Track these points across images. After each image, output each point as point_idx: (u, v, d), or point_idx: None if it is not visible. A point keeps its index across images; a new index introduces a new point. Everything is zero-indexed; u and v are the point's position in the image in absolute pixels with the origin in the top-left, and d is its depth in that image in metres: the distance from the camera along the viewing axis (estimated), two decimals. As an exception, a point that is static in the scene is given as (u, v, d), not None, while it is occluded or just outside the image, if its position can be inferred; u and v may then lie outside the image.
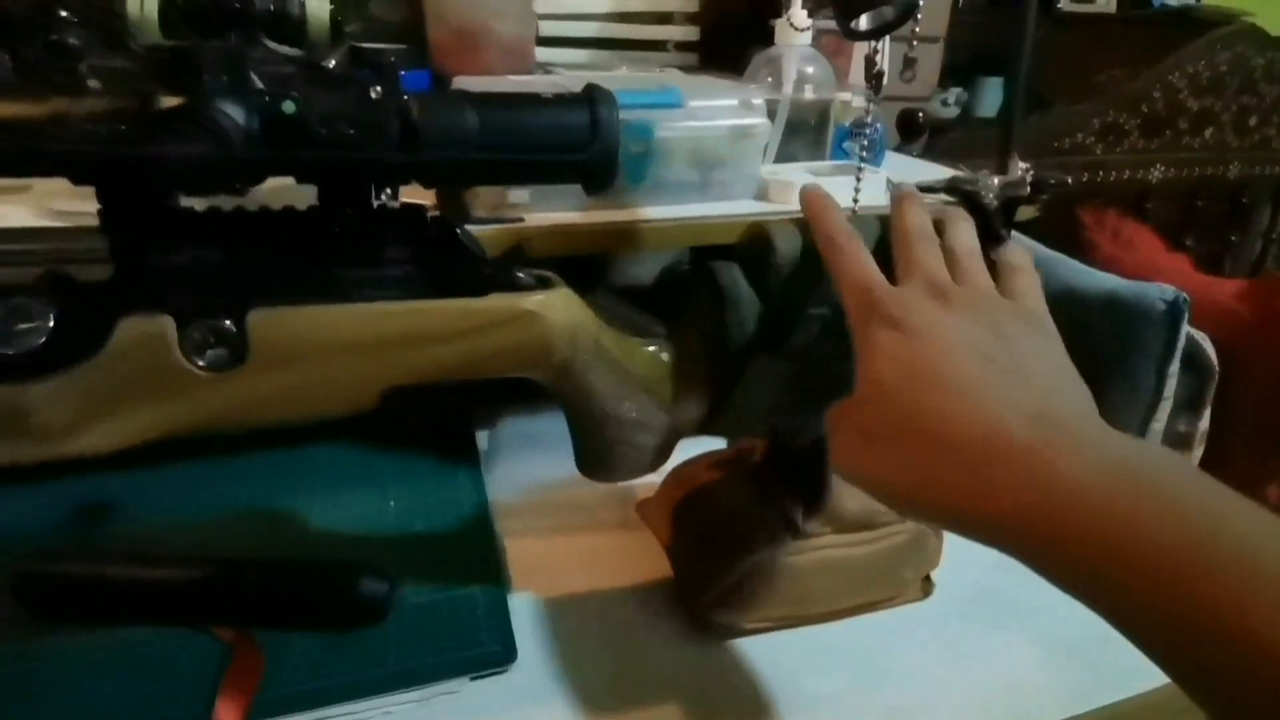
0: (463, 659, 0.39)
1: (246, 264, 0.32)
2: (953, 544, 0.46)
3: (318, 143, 0.29)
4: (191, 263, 0.31)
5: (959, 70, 1.34)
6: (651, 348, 0.39)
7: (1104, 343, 0.72)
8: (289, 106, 0.28)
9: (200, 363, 0.31)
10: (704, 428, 0.41)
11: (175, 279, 0.31)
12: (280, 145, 0.29)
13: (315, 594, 0.40)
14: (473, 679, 0.39)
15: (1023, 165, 0.57)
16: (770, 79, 0.63)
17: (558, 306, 0.35)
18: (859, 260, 0.33)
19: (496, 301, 0.34)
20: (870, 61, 0.46)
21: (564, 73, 0.66)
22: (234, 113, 0.28)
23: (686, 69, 0.79)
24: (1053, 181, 0.57)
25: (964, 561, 0.47)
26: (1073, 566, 0.24)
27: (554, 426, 0.63)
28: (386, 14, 0.71)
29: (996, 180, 0.56)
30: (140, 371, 0.30)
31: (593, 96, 0.33)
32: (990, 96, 1.46)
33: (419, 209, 0.34)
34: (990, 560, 0.48)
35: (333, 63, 0.58)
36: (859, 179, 0.51)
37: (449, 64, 0.65)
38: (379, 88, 0.29)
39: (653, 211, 0.55)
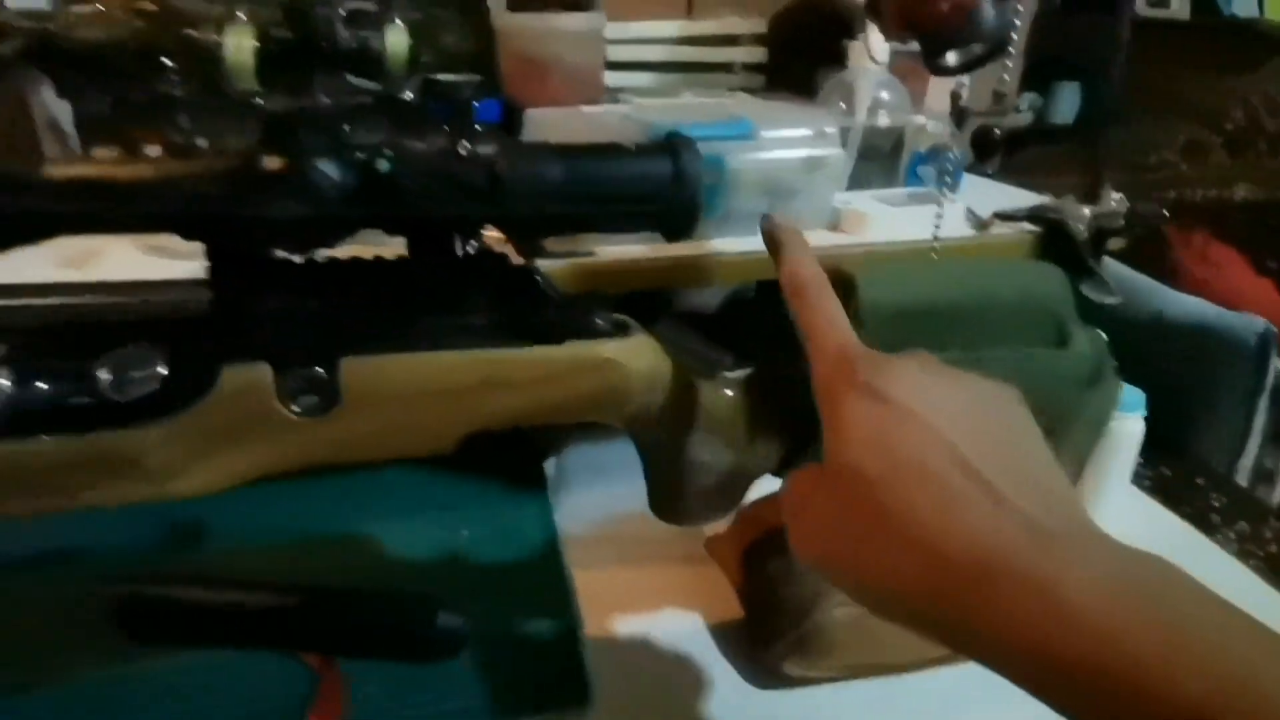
0: (541, 696, 0.40)
1: (338, 313, 0.33)
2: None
3: (409, 199, 0.30)
4: (287, 312, 0.32)
5: (1031, 73, 1.30)
6: (728, 391, 0.39)
7: (1191, 375, 0.69)
8: (384, 165, 0.29)
9: (295, 408, 0.32)
10: (781, 469, 0.41)
11: (273, 328, 0.32)
12: (374, 202, 0.30)
13: (395, 625, 0.41)
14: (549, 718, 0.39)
15: (1116, 195, 0.55)
16: (843, 104, 0.62)
17: (636, 354, 0.35)
18: (831, 314, 0.30)
19: (575, 349, 0.34)
20: (955, 97, 0.45)
21: (634, 100, 0.66)
22: (331, 171, 0.29)
23: (753, 91, 0.78)
24: (1149, 214, 0.55)
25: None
26: (1092, 706, 0.22)
27: (620, 456, 0.64)
28: (458, 45, 0.72)
29: (1088, 210, 0.54)
30: (240, 417, 0.31)
31: (675, 147, 0.33)
32: (1065, 102, 1.41)
33: (501, 256, 0.35)
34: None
35: (409, 95, 0.60)
36: (941, 208, 0.49)
37: (519, 93, 0.66)
38: (467, 143, 0.30)
39: (722, 244, 0.55)
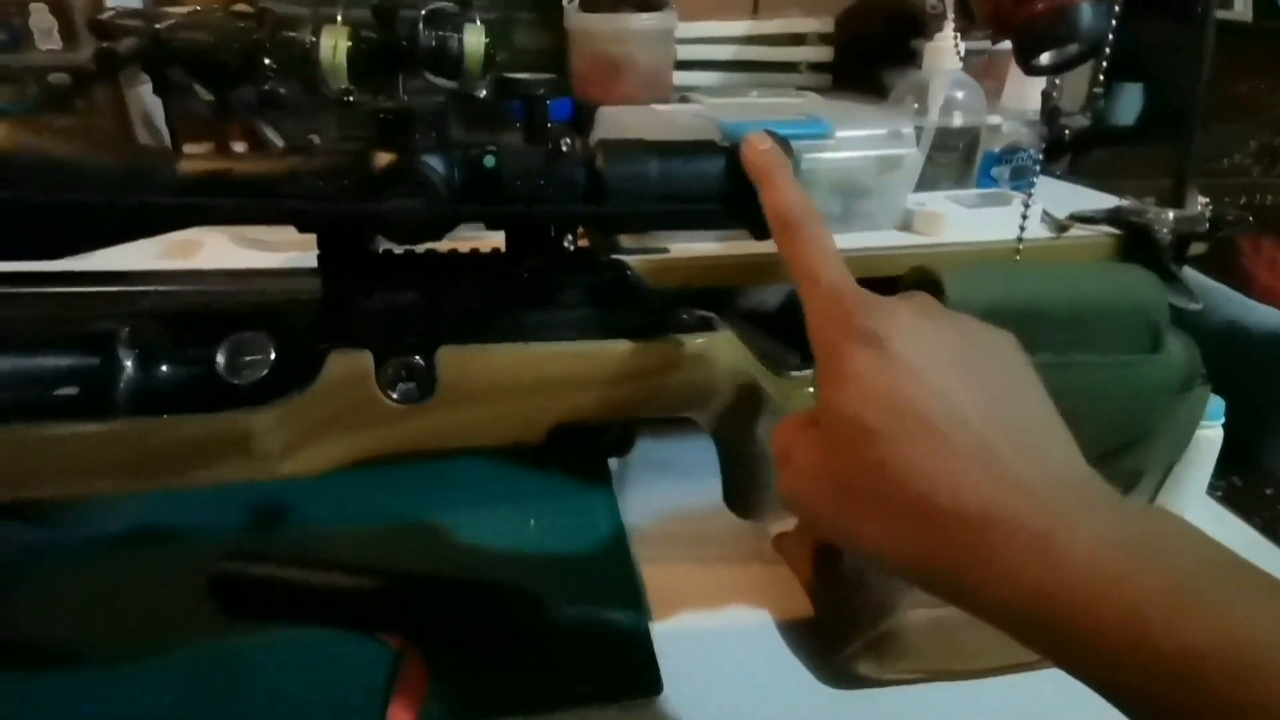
0: (611, 686, 0.40)
1: (437, 304, 0.34)
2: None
3: (512, 195, 0.31)
4: (389, 303, 0.33)
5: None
6: (809, 389, 0.39)
7: (1263, 384, 0.67)
8: (490, 161, 0.30)
9: (393, 395, 0.33)
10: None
11: (375, 317, 0.33)
12: (479, 197, 0.31)
13: (475, 612, 0.42)
14: (622, 709, 0.40)
15: (1202, 199, 0.53)
16: (916, 104, 0.61)
17: (722, 349, 0.36)
18: (823, 249, 0.28)
19: (664, 344, 0.35)
20: (1047, 98, 0.44)
21: (704, 100, 0.66)
22: (439, 167, 0.30)
23: (819, 90, 0.78)
24: (1232, 219, 0.53)
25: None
26: (1088, 659, 0.21)
27: (682, 453, 0.64)
28: (530, 44, 0.74)
29: (1171, 214, 0.52)
30: (343, 403, 0.33)
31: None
32: (1127, 103, 1.37)
33: (594, 253, 0.35)
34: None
35: (483, 93, 0.61)
36: (1026, 208, 0.48)
37: (590, 92, 0.67)
38: (569, 140, 0.31)
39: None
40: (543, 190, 0.31)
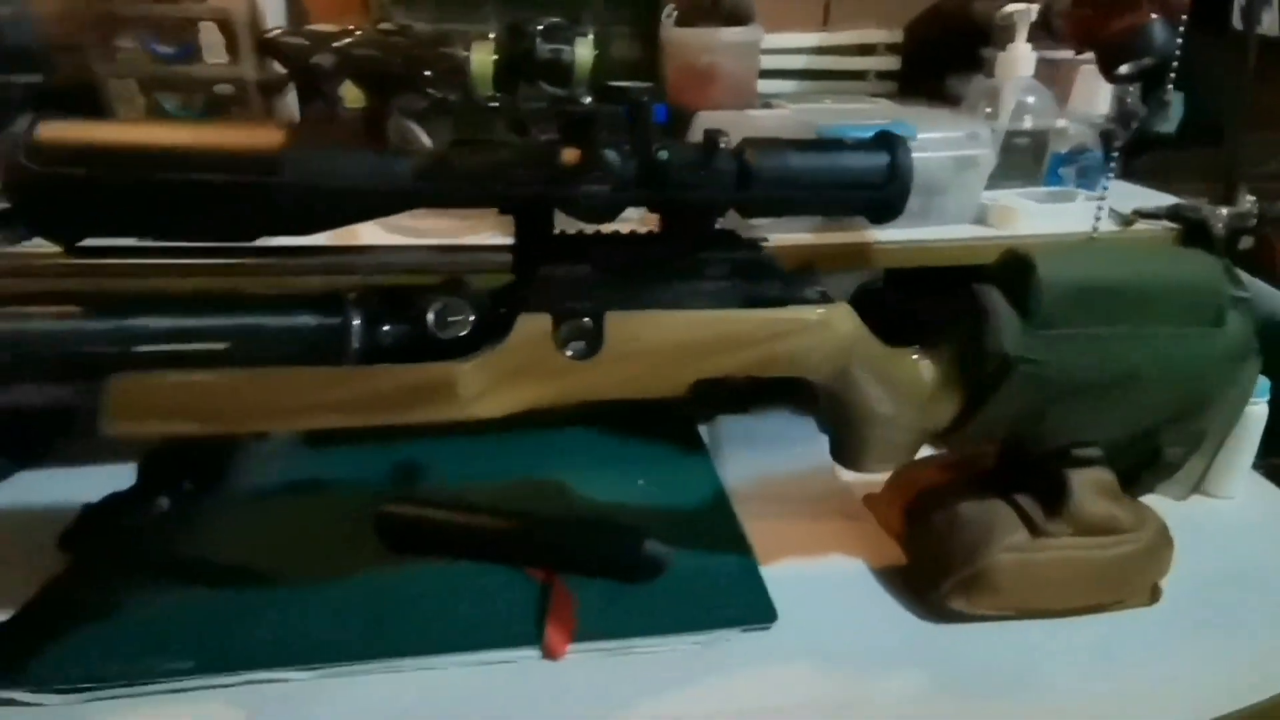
0: (734, 613, 0.46)
1: (605, 276, 0.40)
2: (1183, 555, 0.49)
3: (677, 183, 0.37)
4: (567, 274, 0.40)
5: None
6: (914, 357, 0.44)
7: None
8: (664, 155, 0.36)
9: (567, 353, 0.40)
10: (950, 431, 0.46)
11: (556, 286, 0.39)
12: (650, 185, 0.37)
13: (609, 549, 0.48)
14: (743, 631, 0.46)
15: (1250, 198, 0.58)
16: (989, 108, 0.67)
17: (842, 319, 0.41)
18: None
19: (794, 313, 0.41)
20: (1121, 102, 0.50)
21: (786, 106, 0.72)
22: (618, 159, 0.37)
23: (888, 97, 0.83)
24: (1278, 215, 0.57)
25: (1193, 572, 0.49)
26: None
27: (764, 428, 0.70)
28: (626, 55, 0.80)
29: (1224, 210, 0.57)
30: (527, 356, 0.39)
31: (890, 142, 0.39)
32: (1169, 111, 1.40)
33: (734, 233, 0.41)
34: (1219, 574, 0.50)
35: (587, 99, 0.68)
36: (1103, 201, 0.53)
37: (683, 99, 0.73)
38: (728, 138, 0.37)
39: (877, 234, 0.60)
40: (702, 179, 0.37)
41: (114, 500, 0.49)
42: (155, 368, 0.36)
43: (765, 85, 0.83)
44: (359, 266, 0.39)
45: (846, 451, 0.46)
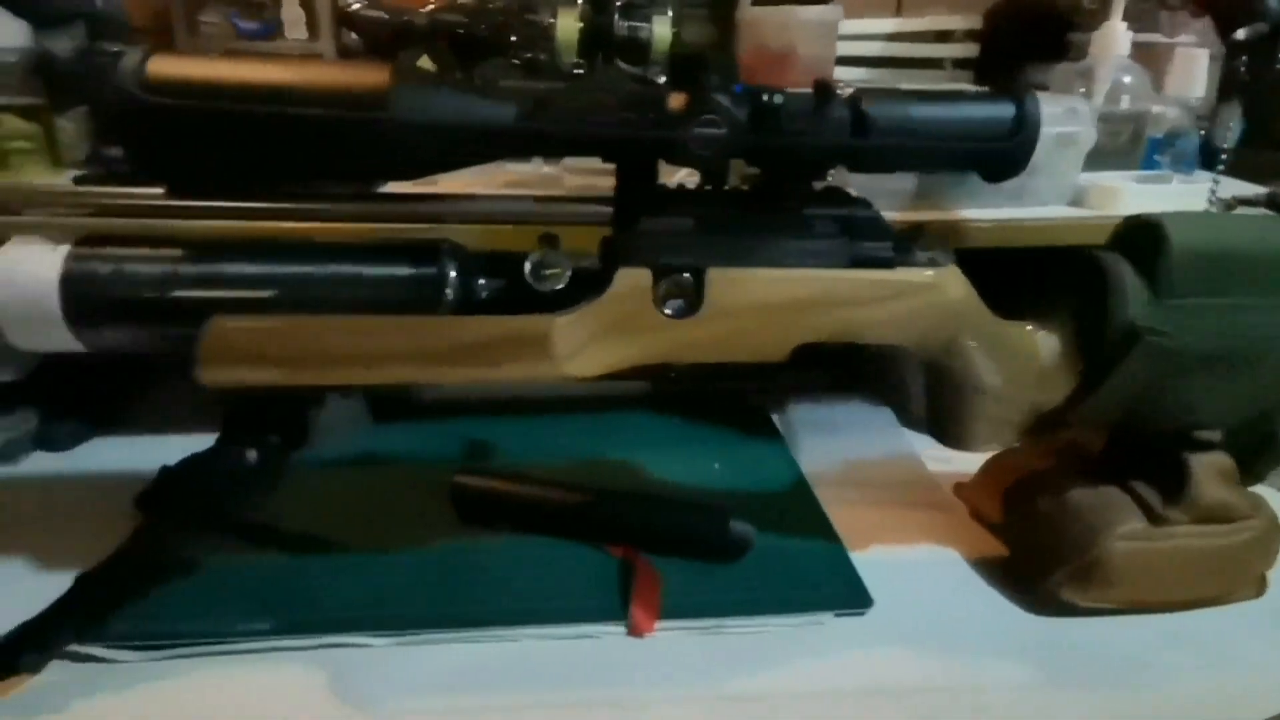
0: (826, 597, 0.44)
1: (707, 231, 0.38)
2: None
3: (791, 129, 0.35)
4: (668, 228, 0.38)
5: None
6: (1028, 328, 0.42)
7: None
8: (778, 98, 0.35)
9: (666, 310, 0.38)
10: (1062, 410, 0.43)
11: (656, 240, 0.38)
12: (761, 131, 0.35)
13: (695, 527, 0.46)
14: (836, 615, 0.43)
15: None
16: (1083, 89, 0.64)
17: (953, 283, 0.39)
18: None
19: (902, 274, 0.39)
20: (1234, 73, 0.47)
21: (866, 87, 0.70)
22: (729, 102, 0.35)
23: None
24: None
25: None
26: None
27: (840, 414, 0.68)
28: (699, 36, 0.79)
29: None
30: (623, 312, 0.38)
31: (1018, 92, 0.37)
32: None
33: (840, 190, 0.40)
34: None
35: (661, 79, 0.67)
36: (1216, 184, 0.50)
37: (757, 80, 0.72)
38: (843, 84, 0.35)
39: (969, 212, 0.58)
40: (815, 125, 0.35)
41: (193, 461, 0.48)
42: (250, 314, 0.35)
43: (838, 73, 0.81)
44: (456, 215, 0.38)
45: (950, 428, 0.43)
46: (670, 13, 0.64)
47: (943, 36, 0.82)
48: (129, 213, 0.36)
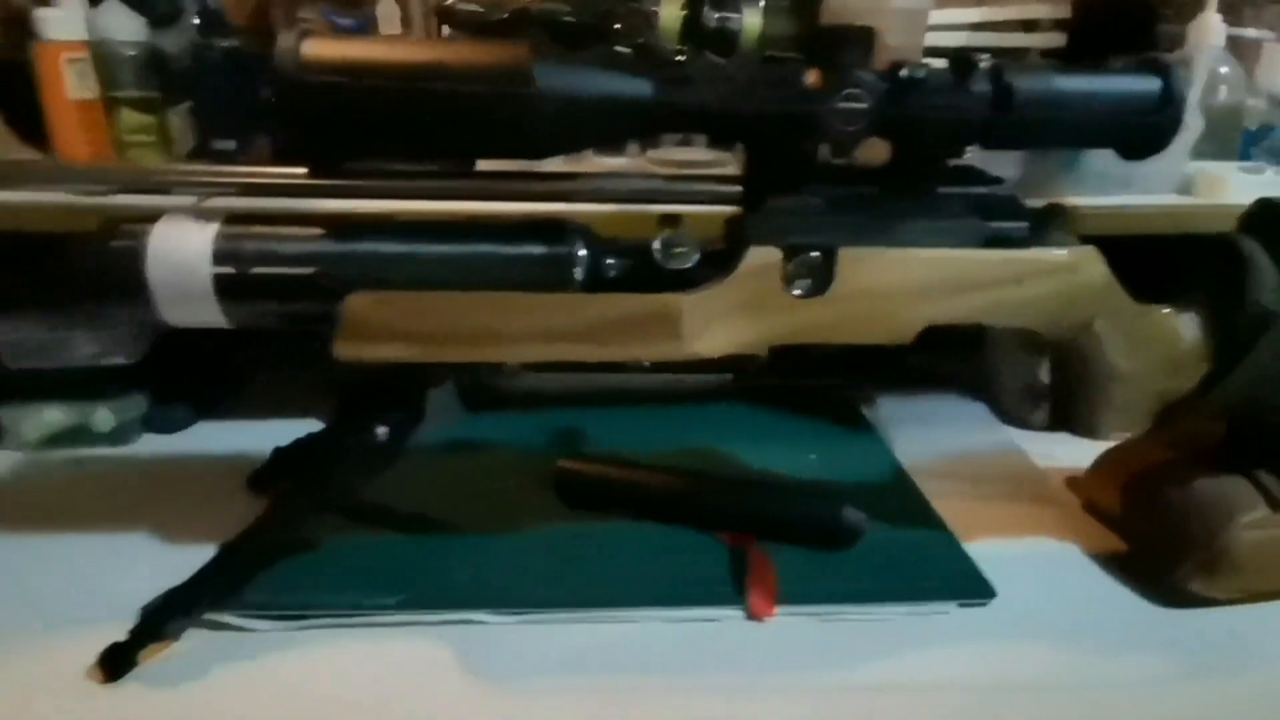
0: (946, 587, 0.43)
1: (838, 209, 0.38)
2: None
3: (932, 103, 0.35)
4: (798, 206, 0.38)
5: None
6: (1165, 311, 0.40)
7: None
8: (920, 71, 0.34)
9: (795, 290, 0.38)
10: (1193, 397, 0.42)
11: (787, 218, 0.37)
12: (903, 105, 0.35)
13: (807, 514, 0.46)
14: (960, 605, 0.42)
15: None
16: (1186, 77, 0.62)
17: (1090, 264, 0.38)
18: None
19: (1038, 254, 0.38)
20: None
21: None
22: (868, 77, 0.35)
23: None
24: None
25: None
26: None
27: (932, 408, 0.66)
28: (783, 29, 0.79)
29: None
30: (751, 291, 0.37)
31: (1161, 66, 0.35)
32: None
33: (972, 167, 0.39)
34: None
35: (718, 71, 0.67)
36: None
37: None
38: (986, 57, 0.35)
39: (1077, 200, 0.56)
40: (956, 98, 0.35)
41: (316, 439, 0.49)
42: (387, 290, 0.36)
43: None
44: (585, 194, 0.38)
45: (1079, 416, 0.42)
46: (762, 3, 0.64)
47: (1029, 26, 0.81)
48: (271, 192, 0.37)
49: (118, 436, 0.57)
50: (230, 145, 0.59)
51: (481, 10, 0.61)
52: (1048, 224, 0.38)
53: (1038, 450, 0.59)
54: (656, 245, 0.37)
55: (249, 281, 0.36)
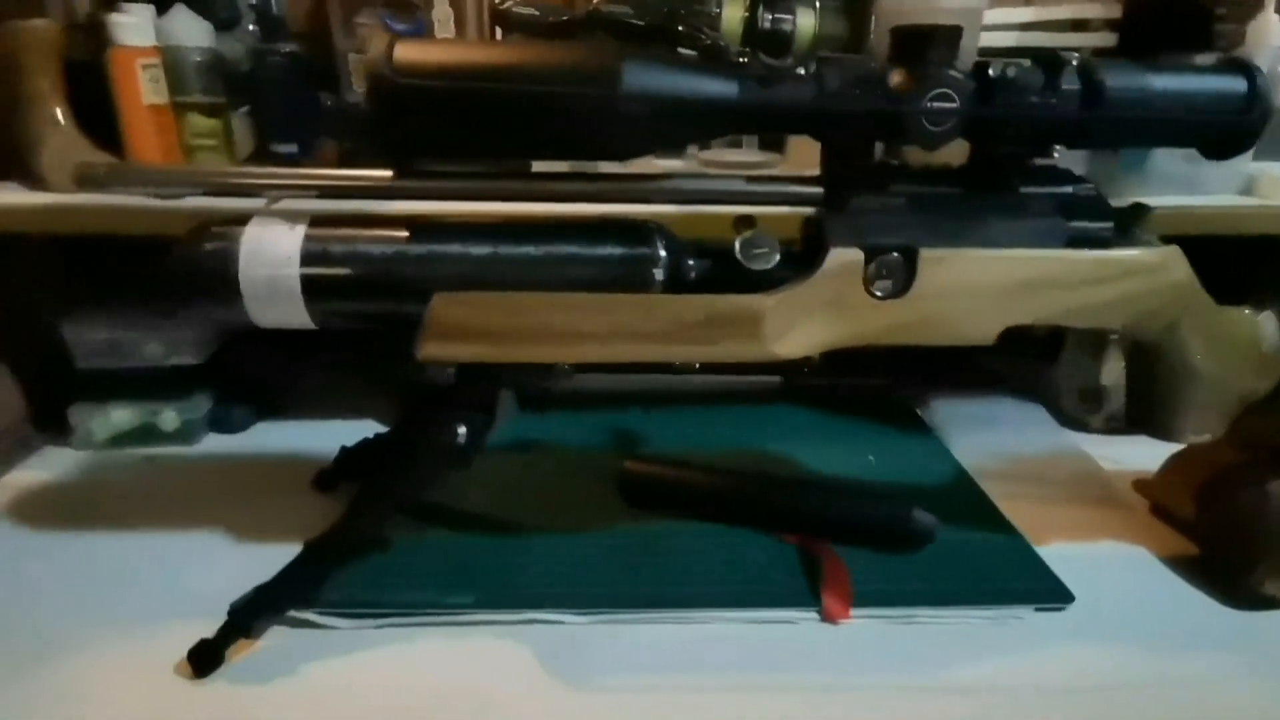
0: (1023, 591, 0.42)
1: (919, 210, 0.38)
2: None
3: (1021, 102, 0.34)
4: (879, 206, 0.37)
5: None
6: (1246, 312, 0.40)
7: None
8: (1009, 71, 0.34)
9: (876, 291, 0.37)
10: (1272, 399, 0.41)
11: (868, 220, 0.37)
12: (990, 103, 0.35)
13: (877, 516, 0.45)
14: (1036, 610, 0.42)
15: None
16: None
17: (1175, 263, 0.38)
18: None
19: (1125, 255, 0.37)
20: None
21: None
22: (959, 76, 0.34)
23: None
24: None
25: None
26: None
27: (987, 409, 0.66)
28: (833, 29, 0.79)
29: None
30: (833, 292, 0.37)
31: (1245, 67, 0.35)
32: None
33: (1054, 166, 0.38)
34: None
35: (801, 70, 0.66)
36: None
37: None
38: (1077, 55, 0.34)
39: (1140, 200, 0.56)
40: (1046, 96, 0.34)
41: (374, 443, 0.50)
42: (471, 291, 0.36)
43: (968, 64, 0.80)
44: (665, 195, 0.38)
45: (1158, 417, 0.41)
46: (817, 4, 0.64)
47: (1079, 26, 0.80)
48: (354, 194, 0.38)
49: (183, 436, 0.58)
50: (291, 149, 0.60)
51: (537, 13, 0.61)
52: (1131, 223, 0.38)
53: (1099, 453, 0.58)
54: (738, 245, 0.37)
55: (336, 282, 0.36)
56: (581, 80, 0.33)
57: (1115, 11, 0.79)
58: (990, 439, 0.60)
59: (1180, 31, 0.79)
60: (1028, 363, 0.66)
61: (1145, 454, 0.54)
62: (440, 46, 0.34)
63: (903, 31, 0.35)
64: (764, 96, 0.35)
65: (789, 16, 0.66)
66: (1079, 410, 0.62)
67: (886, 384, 0.68)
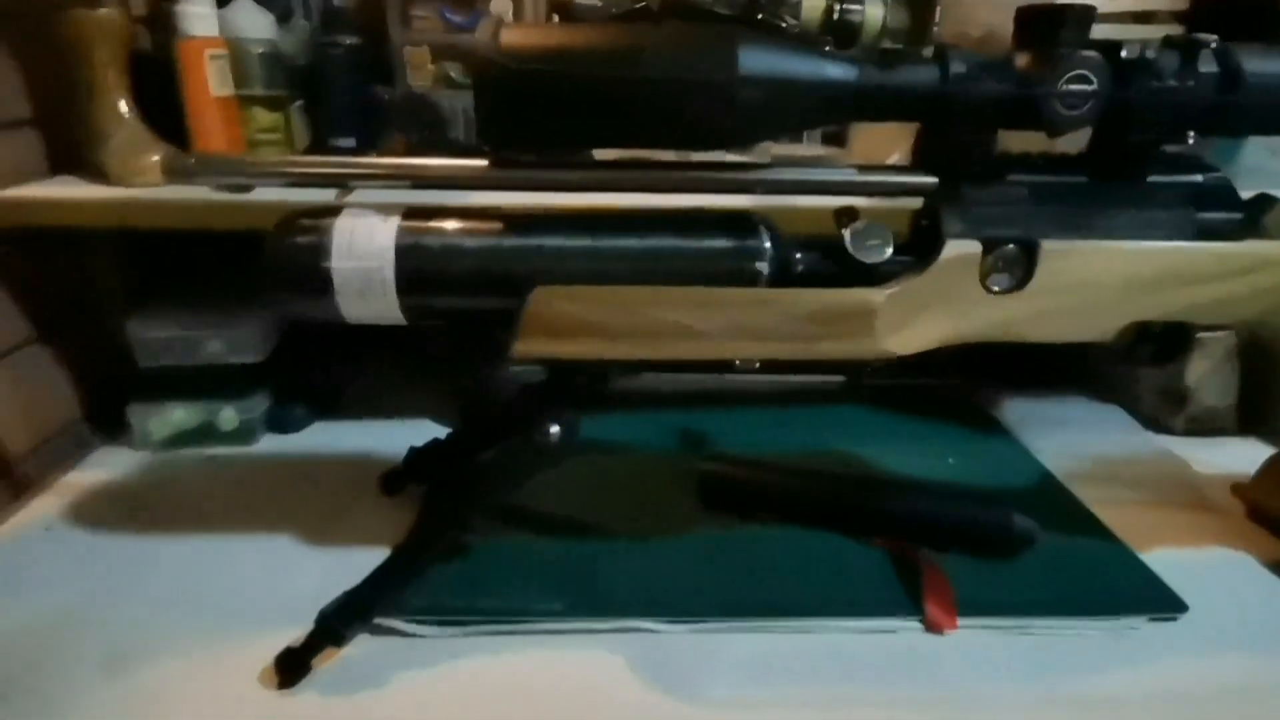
0: (1135, 600, 0.40)
1: (1039, 200, 0.36)
2: None
3: (1160, 85, 0.33)
4: (997, 197, 0.36)
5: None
6: (1382, 306, 0.38)
7: None
8: (1148, 51, 0.32)
9: (992, 286, 0.36)
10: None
11: (985, 211, 0.36)
12: (1130, 88, 0.33)
13: (973, 521, 0.44)
14: (1151, 620, 0.40)
15: None
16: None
17: (1310, 255, 0.36)
18: None
19: (1258, 247, 0.35)
20: None
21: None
22: (1091, 56, 0.33)
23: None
24: None
25: None
26: None
27: (1064, 411, 0.64)
28: (895, 22, 0.77)
29: None
30: (948, 286, 0.35)
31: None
32: None
33: (1183, 155, 0.37)
34: None
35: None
36: None
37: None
38: (1215, 40, 0.32)
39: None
40: (1184, 80, 0.33)
41: (443, 443, 0.48)
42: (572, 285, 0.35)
43: (1027, 57, 0.78)
44: (774, 185, 0.37)
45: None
46: (883, -3, 0.62)
47: (1143, 18, 0.78)
48: (447, 184, 0.36)
49: (242, 436, 0.56)
50: (350, 142, 0.59)
51: (600, 4, 0.60)
52: (1259, 214, 0.36)
53: (1187, 455, 0.56)
54: (848, 236, 0.35)
55: (430, 276, 0.35)
56: (697, 63, 0.32)
57: (1181, 3, 0.77)
58: (1071, 440, 0.58)
59: (1247, 23, 0.77)
60: (1120, 362, 0.64)
61: (1234, 456, 0.53)
62: (547, 30, 0.33)
63: (1029, 11, 0.34)
64: (885, 80, 0.33)
65: (859, 7, 0.65)
66: (1160, 411, 0.60)
67: (959, 383, 0.66)
